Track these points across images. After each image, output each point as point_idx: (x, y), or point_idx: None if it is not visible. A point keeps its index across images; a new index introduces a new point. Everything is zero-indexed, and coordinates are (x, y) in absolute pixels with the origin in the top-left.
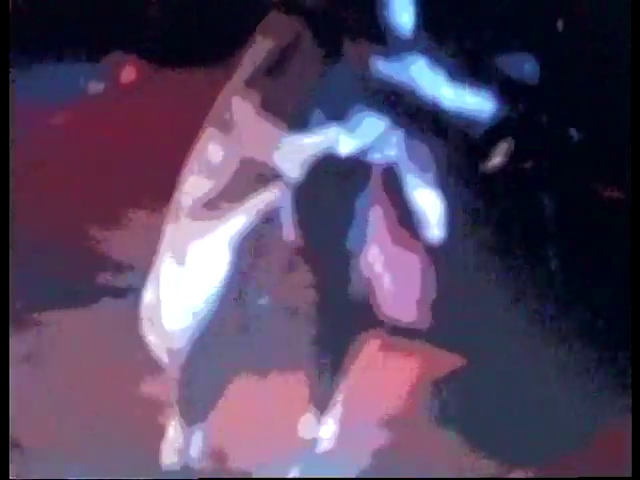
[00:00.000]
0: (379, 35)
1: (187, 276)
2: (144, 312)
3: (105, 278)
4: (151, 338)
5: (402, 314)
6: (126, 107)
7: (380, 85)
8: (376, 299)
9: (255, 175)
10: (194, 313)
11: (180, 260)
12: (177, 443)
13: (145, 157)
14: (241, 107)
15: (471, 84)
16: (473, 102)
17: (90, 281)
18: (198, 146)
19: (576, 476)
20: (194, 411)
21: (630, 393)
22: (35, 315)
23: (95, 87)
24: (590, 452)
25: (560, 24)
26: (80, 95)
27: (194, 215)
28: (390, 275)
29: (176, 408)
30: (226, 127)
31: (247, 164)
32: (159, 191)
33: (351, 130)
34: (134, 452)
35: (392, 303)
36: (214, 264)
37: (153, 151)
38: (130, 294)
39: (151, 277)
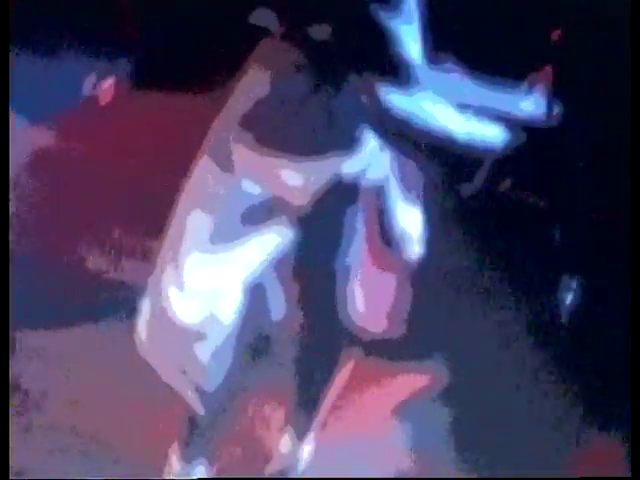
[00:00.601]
0: (387, 66)
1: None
2: (141, 330)
3: (102, 298)
4: (147, 354)
5: (373, 325)
6: (112, 128)
7: (388, 115)
8: (352, 313)
9: (259, 208)
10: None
11: (181, 288)
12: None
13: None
14: (239, 140)
15: (480, 114)
16: (483, 132)
17: (87, 302)
18: (195, 177)
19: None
20: (193, 450)
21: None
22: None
23: (80, 106)
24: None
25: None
26: (66, 115)
27: (201, 248)
28: (365, 288)
29: (176, 445)
30: (224, 161)
31: (249, 197)
32: (152, 212)
33: (355, 157)
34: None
35: (364, 315)
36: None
37: (141, 175)
38: (127, 314)
39: (150, 300)
